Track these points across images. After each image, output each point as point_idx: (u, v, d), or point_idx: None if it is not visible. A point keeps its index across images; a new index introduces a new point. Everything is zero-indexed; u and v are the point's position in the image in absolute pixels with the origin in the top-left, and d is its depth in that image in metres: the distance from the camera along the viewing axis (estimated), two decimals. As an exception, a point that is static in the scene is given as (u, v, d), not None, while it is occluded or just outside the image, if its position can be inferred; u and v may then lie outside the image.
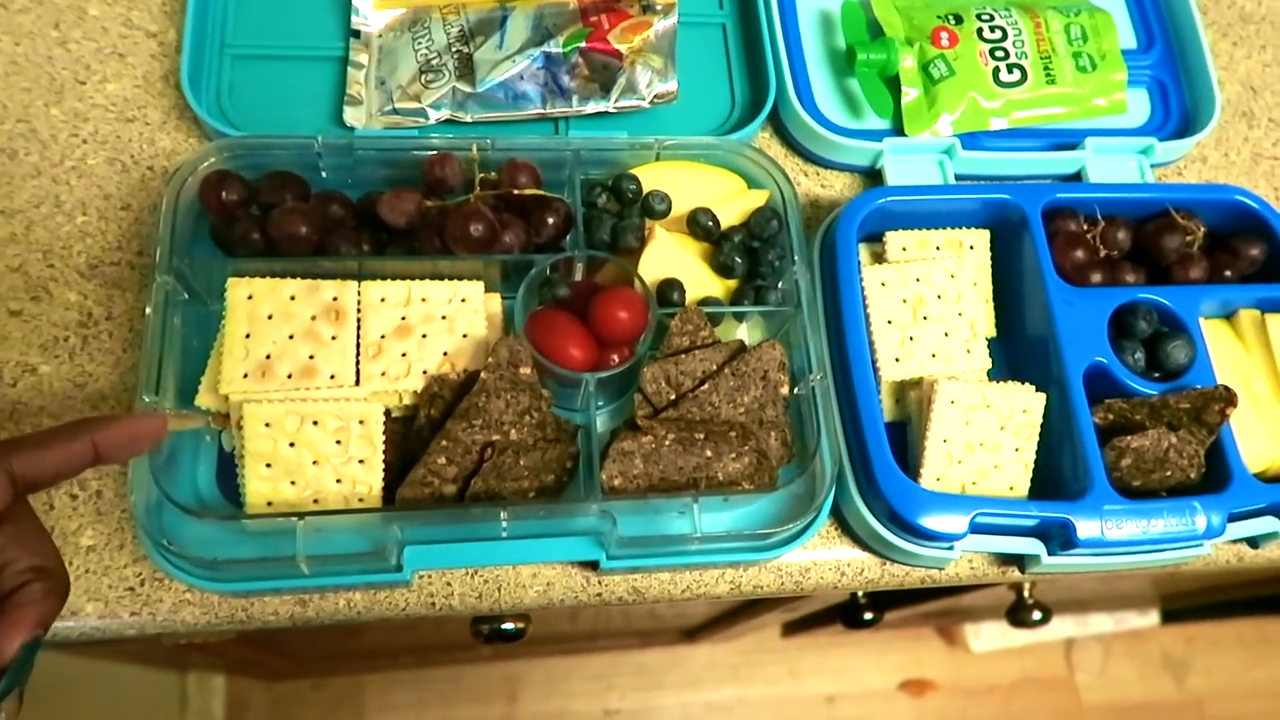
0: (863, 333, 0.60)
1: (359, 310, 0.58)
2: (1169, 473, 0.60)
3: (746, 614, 1.19)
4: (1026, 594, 1.01)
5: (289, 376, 0.56)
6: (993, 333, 0.66)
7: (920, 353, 0.61)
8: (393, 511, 0.54)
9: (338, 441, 0.55)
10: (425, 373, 0.57)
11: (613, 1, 0.68)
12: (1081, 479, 0.58)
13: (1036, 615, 1.00)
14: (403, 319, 0.58)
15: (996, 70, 0.72)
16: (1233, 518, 0.59)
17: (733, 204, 0.64)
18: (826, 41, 0.75)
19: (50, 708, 1.03)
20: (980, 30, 0.73)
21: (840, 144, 0.69)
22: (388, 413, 0.57)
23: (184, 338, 0.57)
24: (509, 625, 0.76)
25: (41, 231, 0.63)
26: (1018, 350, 0.66)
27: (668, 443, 0.56)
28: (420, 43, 0.68)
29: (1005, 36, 0.73)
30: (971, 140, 0.72)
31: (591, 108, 0.67)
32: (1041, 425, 0.61)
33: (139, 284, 0.62)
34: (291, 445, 0.54)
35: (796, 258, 0.61)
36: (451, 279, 0.59)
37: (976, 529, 0.57)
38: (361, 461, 0.55)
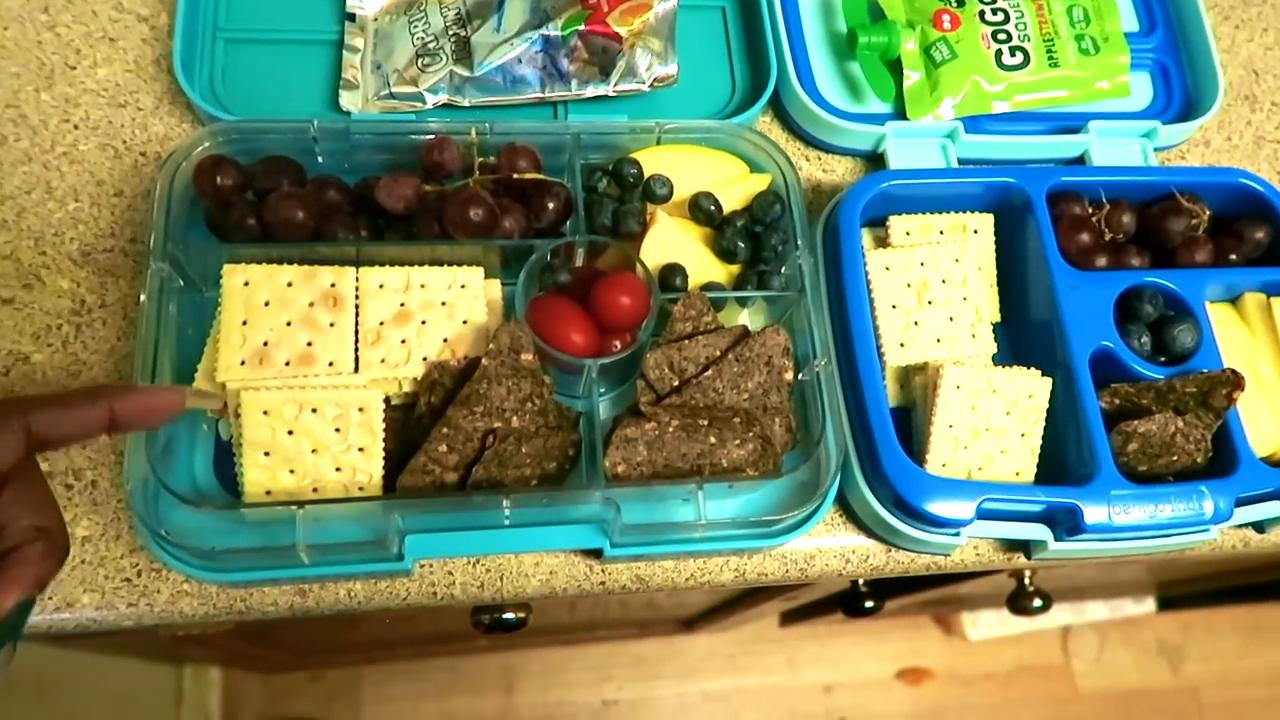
0: (867, 318, 0.60)
1: (357, 297, 0.57)
2: (1175, 457, 0.60)
3: (746, 603, 1.19)
4: (1027, 581, 1.01)
5: (287, 364, 0.55)
6: (997, 317, 0.65)
7: (925, 337, 0.61)
8: (394, 500, 0.53)
9: (337, 429, 0.54)
10: (425, 360, 0.56)
11: (612, -17, 0.67)
12: (1088, 464, 0.58)
13: (1037, 603, 1.00)
14: (402, 305, 0.57)
15: (999, 53, 0.71)
16: (1240, 502, 0.59)
17: (735, 188, 0.63)
18: (827, 24, 0.74)
19: (45, 702, 1.02)
20: (982, 13, 0.72)
21: (842, 128, 0.69)
22: (387, 400, 0.56)
23: (179, 325, 0.56)
24: (510, 615, 0.75)
25: (33, 218, 0.62)
26: (1022, 335, 0.65)
27: (671, 429, 0.55)
28: (416, 26, 0.67)
29: (1008, 19, 0.72)
30: (974, 124, 0.71)
31: (591, 91, 0.66)
32: (1047, 410, 0.60)
33: (133, 271, 0.61)
34: (290, 433, 0.54)
35: (800, 242, 0.60)
36: (451, 265, 0.58)
37: (983, 515, 0.57)
38: (361, 449, 0.54)
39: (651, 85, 0.67)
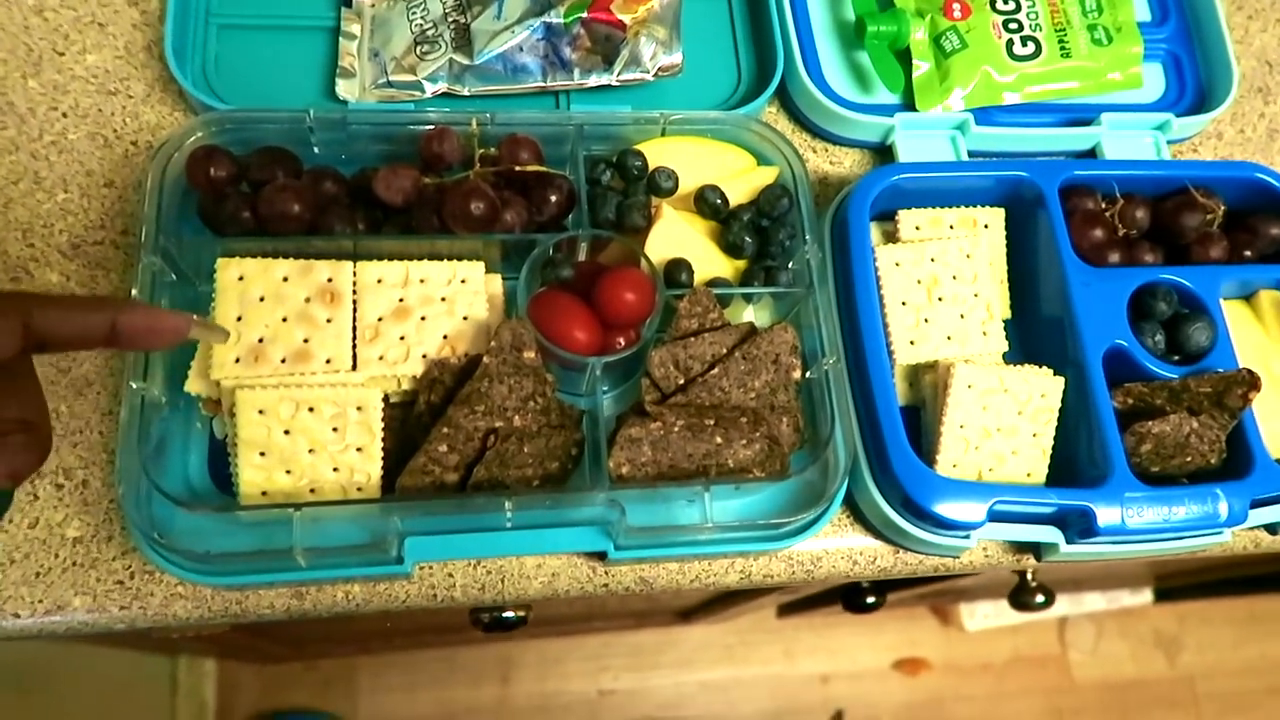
0: (876, 315, 0.58)
1: (355, 292, 0.56)
2: (1189, 458, 0.59)
3: (744, 595, 1.18)
4: (1029, 577, 1.00)
5: (283, 361, 0.53)
6: (1007, 314, 0.64)
7: (935, 335, 0.59)
8: (393, 502, 0.52)
9: (334, 429, 0.53)
10: (425, 357, 0.55)
11: (616, -30, 0.66)
12: (1101, 465, 0.57)
13: (1040, 599, 0.99)
14: (400, 301, 0.56)
15: (1010, 43, 0.70)
16: (1254, 504, 0.58)
17: (741, 181, 0.62)
18: (834, 12, 0.72)
19: (38, 692, 1.01)
20: (993, 1, 0.71)
21: (850, 119, 0.67)
22: (386, 398, 0.55)
23: (172, 320, 0.54)
24: (510, 614, 0.74)
25: (20, 209, 0.60)
26: (1032, 332, 0.64)
27: (677, 429, 0.54)
28: (415, 12, 0.65)
29: (1019, 8, 0.71)
30: (983, 115, 0.70)
31: (594, 81, 0.65)
32: (1058, 409, 0.59)
33: (124, 264, 0.60)
34: (286, 433, 0.52)
35: (808, 237, 0.59)
36: (451, 259, 0.57)
37: (994, 517, 0.55)
38: (359, 449, 0.53)
39: (656, 75, 0.65)
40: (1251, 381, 0.58)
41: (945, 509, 0.54)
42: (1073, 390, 0.59)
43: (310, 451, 0.53)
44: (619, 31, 0.64)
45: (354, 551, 0.52)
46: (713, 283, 0.59)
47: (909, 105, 0.70)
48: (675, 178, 0.60)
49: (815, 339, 0.57)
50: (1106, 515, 0.55)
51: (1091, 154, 0.72)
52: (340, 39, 0.65)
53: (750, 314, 0.61)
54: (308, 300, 0.55)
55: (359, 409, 0.53)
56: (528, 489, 0.54)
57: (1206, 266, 0.63)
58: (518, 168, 0.58)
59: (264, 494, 0.52)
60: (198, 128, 0.57)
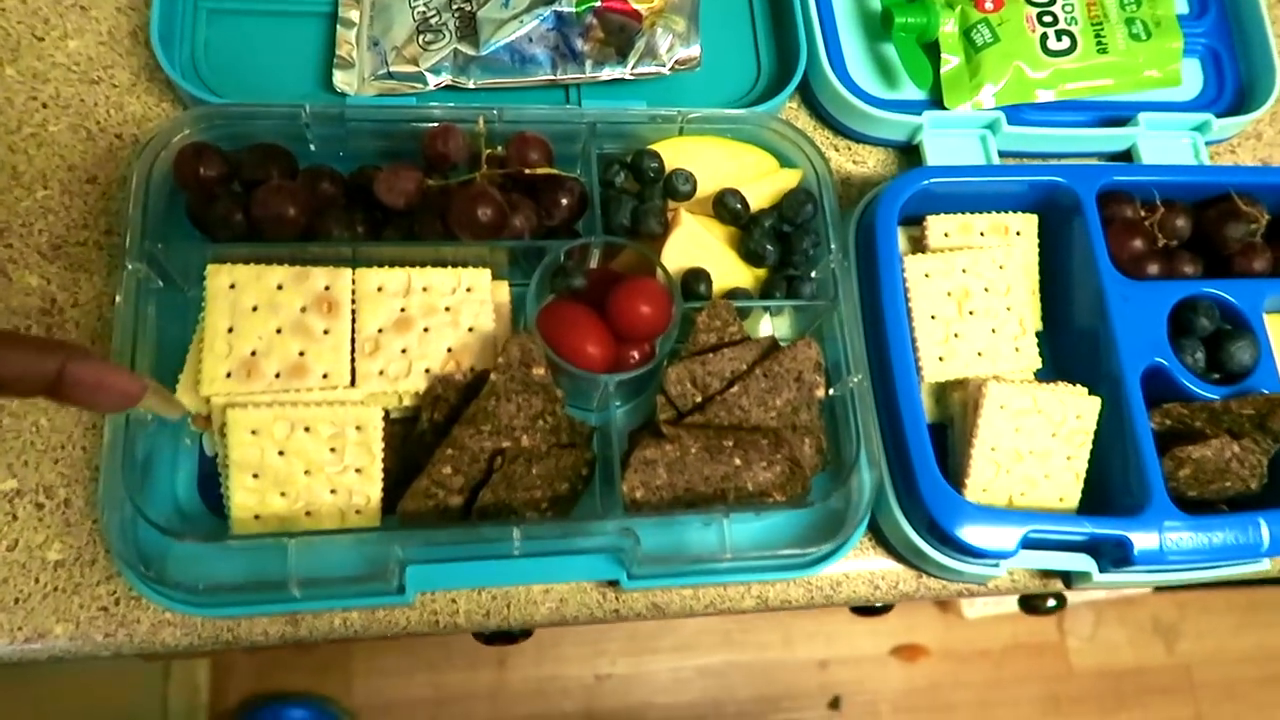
0: (905, 329, 0.55)
1: (353, 301, 0.52)
2: (1228, 483, 0.56)
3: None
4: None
5: (277, 376, 0.50)
6: (1038, 326, 0.61)
7: (965, 351, 0.56)
8: (395, 531, 0.49)
9: (332, 449, 0.50)
10: (427, 371, 0.52)
11: (631, -45, 0.62)
12: (1137, 492, 0.54)
13: (1051, 602, 0.97)
14: (402, 311, 0.53)
15: (1044, 37, 0.66)
16: (1296, 531, 0.55)
17: (762, 184, 0.59)
18: (860, 3, 0.69)
19: (30, 677, 0.99)
20: (1027, -8, 0.67)
21: (876, 117, 0.64)
22: (386, 413, 0.52)
23: (159, 328, 0.51)
24: (512, 626, 0.72)
25: (-3, 207, 0.56)
26: (1064, 345, 0.61)
27: (693, 451, 0.51)
28: (417, -2, 0.61)
29: (1054, 0, 0.67)
30: (1013, 113, 0.66)
31: (606, 74, 0.61)
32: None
33: (108, 266, 0.56)
34: (281, 454, 0.49)
35: (833, 245, 0.56)
36: (455, 265, 0.54)
37: (1025, 545, 0.53)
38: (359, 470, 0.50)
39: (672, 68, 0.61)
40: (1297, 404, 0.55)
41: (975, 537, 0.52)
42: (1108, 411, 0.56)
43: (306, 473, 0.50)
44: (634, 22, 0.60)
45: (352, 582, 0.49)
46: (732, 293, 0.56)
47: (936, 101, 0.66)
48: (694, 180, 0.57)
49: (838, 351, 0.55)
50: (1143, 544, 0.53)
51: (1127, 155, 0.68)
52: (338, 26, 0.61)
53: (768, 323, 0.58)
54: (303, 310, 0.51)
55: (358, 428, 0.50)
56: (537, 514, 0.51)
57: (1250, 280, 0.60)
58: (527, 170, 0.54)
59: (257, 517, 0.49)
60: (186, 123, 0.53)
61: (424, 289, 0.53)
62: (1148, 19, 0.68)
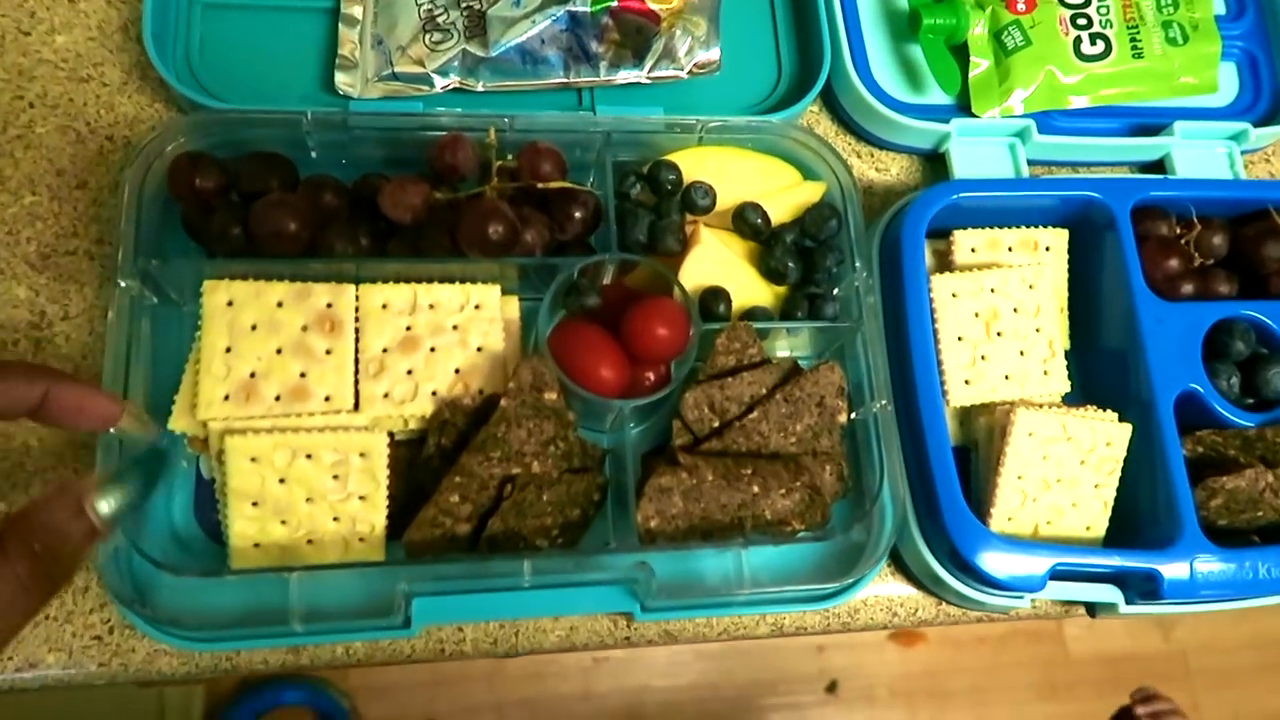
0: (931, 351, 0.53)
1: (357, 319, 0.50)
2: (1260, 513, 0.54)
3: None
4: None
5: (277, 399, 0.48)
6: (1066, 344, 0.59)
7: (992, 374, 0.54)
8: (401, 566, 0.47)
9: (335, 476, 0.48)
10: (434, 394, 0.50)
11: (648, -49, 0.59)
12: (1167, 523, 0.52)
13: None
14: (408, 329, 0.50)
15: (1078, 41, 0.63)
16: (1329, 564, 0.53)
17: (784, 197, 0.56)
18: (886, 3, 0.66)
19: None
20: (1060, -8, 0.64)
21: (901, 124, 0.61)
22: (391, 436, 0.50)
23: (154, 345, 0.49)
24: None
25: (-17, 213, 0.54)
26: (1092, 366, 0.59)
27: (710, 478, 0.49)
28: (423, -6, 0.58)
29: (1089, 2, 0.64)
30: (1042, 120, 0.63)
31: (622, 77, 0.58)
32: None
33: (100, 277, 0.54)
34: (281, 481, 0.47)
35: (858, 264, 0.54)
36: (463, 280, 0.51)
37: (1052, 576, 0.51)
38: (363, 498, 0.48)
39: (691, 72, 0.59)
40: (1335, 435, 0.53)
41: (1001, 569, 0.50)
42: (1139, 437, 0.54)
43: (308, 500, 0.48)
44: (651, 23, 0.57)
45: (356, 616, 0.47)
46: (751, 312, 0.54)
47: (963, 106, 0.63)
48: (713, 194, 0.54)
49: (861, 373, 0.53)
50: (1173, 577, 0.51)
51: (1158, 164, 0.66)
52: (340, 24, 0.58)
53: (783, 342, 0.56)
54: (305, 329, 0.49)
55: (362, 455, 0.48)
56: (547, 541, 0.49)
57: (1288, 302, 0.58)
58: (540, 184, 0.52)
59: (256, 545, 0.47)
60: (181, 131, 0.51)
61: (430, 306, 0.51)
62: (1185, 22, 0.65)
